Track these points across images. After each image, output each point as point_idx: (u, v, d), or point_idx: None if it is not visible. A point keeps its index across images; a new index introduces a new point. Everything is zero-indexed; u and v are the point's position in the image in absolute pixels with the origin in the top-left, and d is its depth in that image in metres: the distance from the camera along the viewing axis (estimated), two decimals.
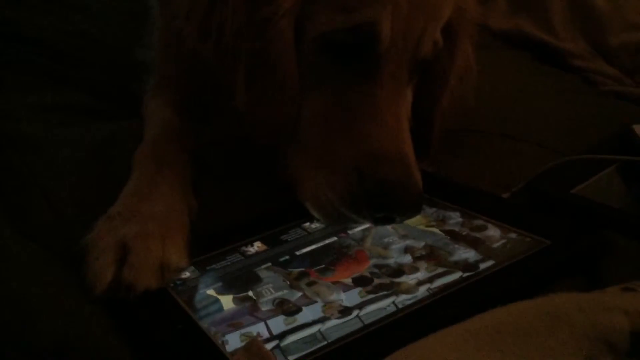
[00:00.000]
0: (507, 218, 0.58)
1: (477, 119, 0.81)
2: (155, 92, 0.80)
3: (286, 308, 0.48)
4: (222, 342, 0.44)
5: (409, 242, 0.56)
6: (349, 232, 0.59)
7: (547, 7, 1.24)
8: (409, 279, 0.50)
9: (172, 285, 0.51)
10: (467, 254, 0.53)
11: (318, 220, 0.60)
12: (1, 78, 0.89)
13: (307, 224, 0.60)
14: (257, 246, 0.57)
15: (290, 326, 0.46)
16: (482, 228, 0.57)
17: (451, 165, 0.71)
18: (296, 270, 0.53)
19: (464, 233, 0.57)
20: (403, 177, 0.56)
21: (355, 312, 0.47)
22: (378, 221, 0.57)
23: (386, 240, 0.57)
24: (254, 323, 0.46)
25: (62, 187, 0.63)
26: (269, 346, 0.43)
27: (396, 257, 0.54)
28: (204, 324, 0.46)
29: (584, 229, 0.54)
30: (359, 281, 0.51)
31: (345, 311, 0.47)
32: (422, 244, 0.56)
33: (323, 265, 0.53)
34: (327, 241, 0.57)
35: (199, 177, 0.65)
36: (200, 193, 0.62)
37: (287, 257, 0.55)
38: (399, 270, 0.52)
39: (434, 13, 0.60)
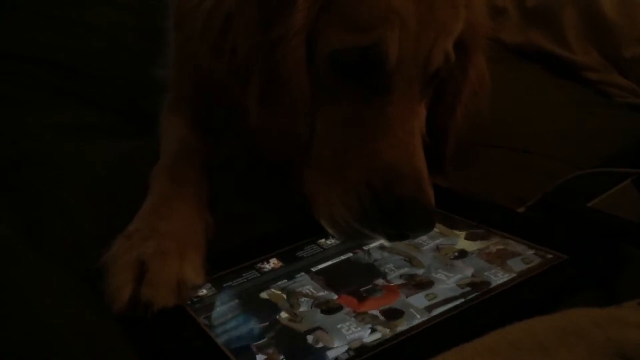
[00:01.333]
0: (523, 232, 0.57)
1: (491, 133, 0.82)
2: (171, 111, 0.81)
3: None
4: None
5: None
6: (364, 247, 0.59)
7: (560, 20, 1.24)
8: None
9: (189, 302, 0.51)
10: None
11: (333, 237, 0.60)
12: (18, 97, 0.91)
13: (322, 240, 0.60)
14: (273, 263, 0.57)
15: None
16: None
17: (465, 179, 0.71)
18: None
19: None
20: (416, 193, 0.56)
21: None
22: (391, 237, 0.57)
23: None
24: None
25: (79, 205, 0.64)
26: None
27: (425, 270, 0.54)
28: (221, 341, 0.46)
29: (600, 243, 0.54)
30: (388, 314, 0.49)
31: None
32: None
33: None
34: (342, 257, 0.58)
35: (214, 194, 0.66)
36: (216, 210, 0.63)
37: (302, 273, 0.55)
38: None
39: (443, 29, 0.60)
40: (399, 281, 0.53)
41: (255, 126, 0.62)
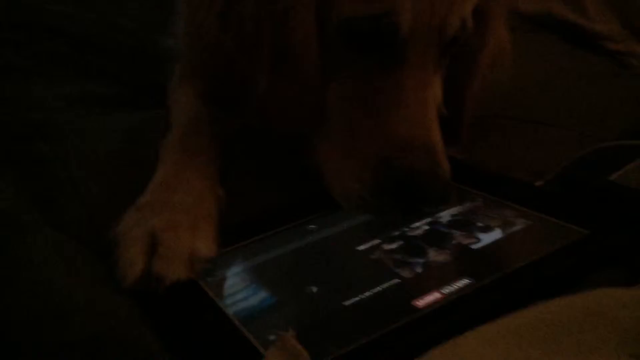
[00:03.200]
0: (541, 207, 0.56)
1: (508, 104, 0.79)
2: (181, 81, 0.79)
3: None
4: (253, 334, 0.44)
5: None
6: None
7: None
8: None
9: (201, 276, 0.50)
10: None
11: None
12: (29, 68, 0.90)
13: (336, 213, 0.59)
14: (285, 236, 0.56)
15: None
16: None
17: (482, 152, 0.70)
18: None
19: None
20: (430, 166, 0.55)
21: None
22: (405, 211, 0.56)
23: None
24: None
25: (90, 178, 0.63)
26: None
27: None
28: (234, 316, 0.46)
29: (624, 219, 0.52)
30: None
31: None
32: None
33: None
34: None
35: (226, 166, 0.64)
36: (227, 182, 0.62)
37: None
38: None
39: None
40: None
41: (265, 98, 0.60)
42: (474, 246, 0.51)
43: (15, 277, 0.46)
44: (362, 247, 0.53)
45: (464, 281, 0.46)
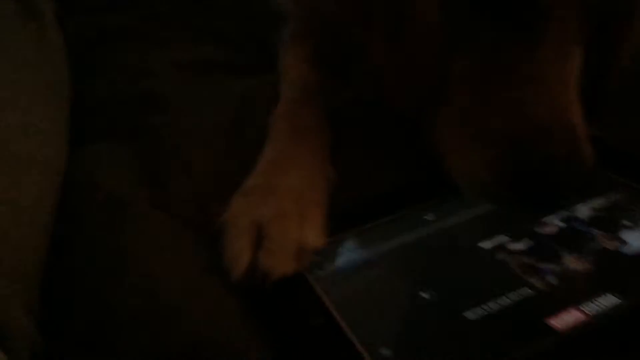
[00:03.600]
0: None
1: None
2: (291, 45, 0.75)
3: None
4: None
5: None
6: None
7: None
8: None
9: (309, 269, 0.48)
10: None
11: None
12: (141, 31, 0.90)
13: (455, 200, 0.54)
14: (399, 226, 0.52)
15: None
16: None
17: (629, 132, 0.60)
18: None
19: None
20: (570, 153, 0.48)
21: None
22: (538, 204, 0.49)
23: None
24: None
25: (198, 152, 0.61)
26: None
27: None
28: (342, 319, 0.42)
29: None
30: None
31: None
32: None
33: None
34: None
35: (334, 142, 0.60)
36: (336, 161, 0.58)
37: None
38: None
39: None
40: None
41: (380, 66, 0.55)
42: (621, 251, 0.44)
43: (121, 269, 0.45)
44: (485, 245, 0.47)
45: (610, 298, 0.39)
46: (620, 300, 0.39)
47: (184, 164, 0.60)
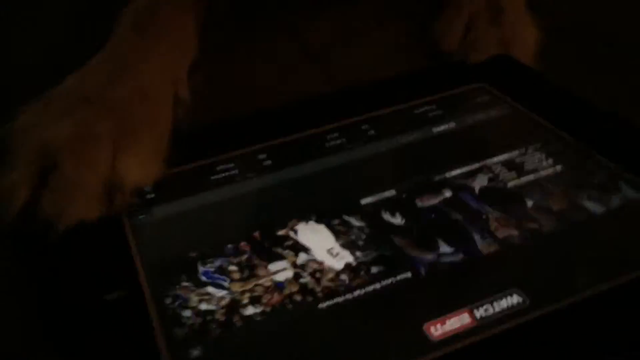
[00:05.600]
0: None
1: None
2: None
3: None
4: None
5: None
6: None
7: None
8: None
9: (129, 214, 0.34)
10: None
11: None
12: None
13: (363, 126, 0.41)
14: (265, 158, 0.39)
15: None
16: None
17: None
18: None
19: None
20: None
21: None
22: None
23: None
24: None
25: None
26: None
27: None
28: (154, 288, 0.30)
29: None
30: None
31: None
32: None
33: None
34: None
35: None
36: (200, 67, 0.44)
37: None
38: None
39: None
40: None
41: None
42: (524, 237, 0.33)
43: None
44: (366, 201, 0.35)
45: (513, 298, 0.28)
46: (522, 300, 0.28)
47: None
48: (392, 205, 0.34)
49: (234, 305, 0.29)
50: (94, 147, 0.33)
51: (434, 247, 0.31)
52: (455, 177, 0.36)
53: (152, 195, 0.36)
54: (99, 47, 0.42)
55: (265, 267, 0.31)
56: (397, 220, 0.33)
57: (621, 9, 0.56)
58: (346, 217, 0.34)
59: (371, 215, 0.34)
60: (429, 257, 0.31)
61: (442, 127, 0.41)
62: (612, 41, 0.51)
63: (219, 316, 0.28)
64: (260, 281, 0.30)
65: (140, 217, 0.35)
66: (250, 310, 0.28)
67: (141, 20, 0.43)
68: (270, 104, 0.43)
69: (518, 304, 0.28)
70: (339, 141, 0.40)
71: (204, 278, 0.30)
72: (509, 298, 0.28)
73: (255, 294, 0.29)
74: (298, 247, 0.32)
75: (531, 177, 0.36)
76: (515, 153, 0.38)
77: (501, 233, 0.32)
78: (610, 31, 0.52)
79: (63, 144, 0.33)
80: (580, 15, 0.54)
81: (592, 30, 0.52)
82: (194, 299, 0.29)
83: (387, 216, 0.34)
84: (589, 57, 0.49)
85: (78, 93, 0.36)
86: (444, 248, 0.31)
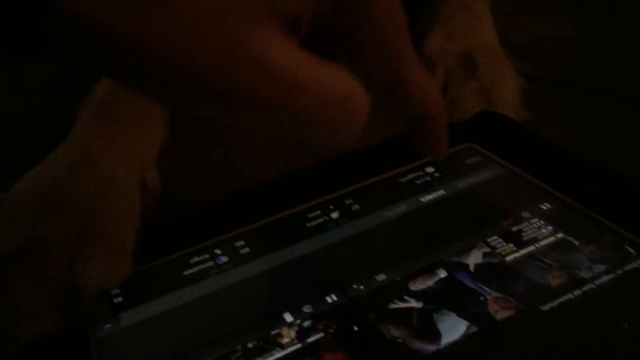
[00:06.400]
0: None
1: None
2: None
3: None
4: None
5: None
6: None
7: None
8: None
9: (93, 325, 0.31)
10: None
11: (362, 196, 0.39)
12: None
13: (347, 201, 0.39)
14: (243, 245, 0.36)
15: None
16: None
17: None
18: None
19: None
20: None
21: None
22: None
23: None
24: None
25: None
26: None
27: None
28: None
29: None
30: None
31: None
32: None
33: None
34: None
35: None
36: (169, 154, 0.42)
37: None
38: None
39: None
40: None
41: None
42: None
43: None
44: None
45: None
46: None
47: None
48: (385, 293, 0.31)
49: None
50: (45, 256, 0.30)
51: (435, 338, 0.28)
52: (448, 253, 0.33)
53: (120, 299, 0.33)
54: (61, 138, 0.39)
55: None
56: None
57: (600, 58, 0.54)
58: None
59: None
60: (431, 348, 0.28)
61: (431, 196, 0.39)
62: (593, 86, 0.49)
63: None
64: None
65: (106, 327, 0.31)
66: None
67: (105, 106, 0.41)
68: (246, 183, 0.40)
69: None
70: (321, 220, 0.38)
71: None
72: None
73: None
74: None
75: (530, 248, 0.33)
76: (510, 221, 0.35)
77: (500, 315, 0.29)
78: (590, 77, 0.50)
79: (11, 259, 0.30)
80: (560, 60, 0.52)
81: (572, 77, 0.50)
82: None
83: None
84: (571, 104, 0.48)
85: (32, 192, 0.34)
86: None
